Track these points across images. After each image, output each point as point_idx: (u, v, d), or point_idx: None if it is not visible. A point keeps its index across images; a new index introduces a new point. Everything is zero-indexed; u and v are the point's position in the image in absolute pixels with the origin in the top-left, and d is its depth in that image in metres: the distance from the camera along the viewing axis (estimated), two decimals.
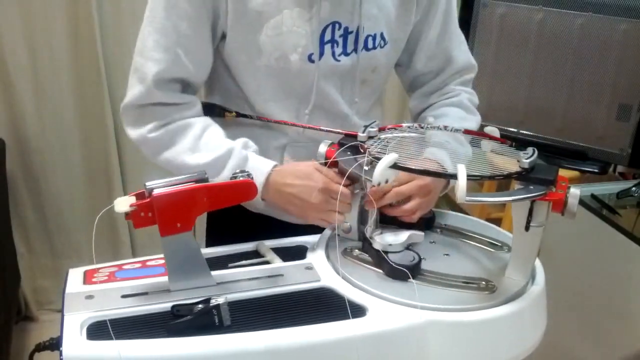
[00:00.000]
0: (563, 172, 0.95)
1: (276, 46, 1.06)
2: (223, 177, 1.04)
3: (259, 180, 1.02)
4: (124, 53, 2.21)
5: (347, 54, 1.11)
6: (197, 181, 0.88)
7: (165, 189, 0.86)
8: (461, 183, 0.83)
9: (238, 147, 1.07)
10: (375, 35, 1.12)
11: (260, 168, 1.05)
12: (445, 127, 1.07)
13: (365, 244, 1.02)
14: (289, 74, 1.10)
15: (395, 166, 0.91)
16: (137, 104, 1.06)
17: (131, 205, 0.86)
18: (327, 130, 1.11)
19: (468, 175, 0.85)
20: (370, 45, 1.13)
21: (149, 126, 1.06)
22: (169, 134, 1.07)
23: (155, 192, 0.85)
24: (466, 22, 1.80)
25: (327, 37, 1.08)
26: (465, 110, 1.22)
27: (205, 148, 1.06)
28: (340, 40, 1.10)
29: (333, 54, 1.10)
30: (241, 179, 0.91)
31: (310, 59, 1.08)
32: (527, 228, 0.92)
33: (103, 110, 2.23)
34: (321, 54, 1.09)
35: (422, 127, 1.06)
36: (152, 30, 1.04)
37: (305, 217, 1.05)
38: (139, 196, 0.88)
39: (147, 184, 0.87)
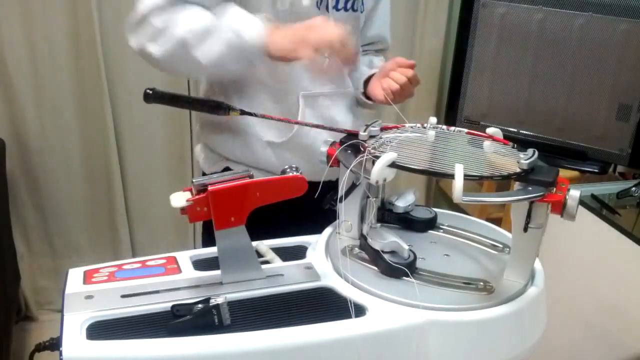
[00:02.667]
0: (563, 172, 0.95)
1: None
2: (220, 35, 1.09)
3: (258, 24, 1.10)
4: (124, 53, 2.21)
5: (337, 10, 1.23)
6: (243, 177, 0.91)
7: (221, 185, 0.89)
8: (458, 183, 0.84)
9: (234, 6, 1.13)
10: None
11: (255, 18, 1.12)
12: (448, 128, 1.07)
13: (363, 242, 1.03)
14: (299, 19, 1.15)
15: (394, 165, 0.92)
16: (142, 14, 1.10)
17: (188, 200, 0.88)
18: (329, 129, 1.12)
19: (466, 175, 0.86)
20: (356, 7, 1.26)
21: (151, 15, 1.10)
22: (171, 14, 1.10)
23: (211, 187, 0.88)
24: (466, 22, 1.79)
25: None
26: None
27: (204, 15, 1.11)
28: None
29: (327, 6, 1.20)
30: (291, 174, 0.93)
31: (317, 5, 1.18)
32: (525, 229, 0.92)
33: (103, 110, 2.23)
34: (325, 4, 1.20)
35: (424, 127, 1.06)
36: None
37: (295, 43, 1.07)
38: (190, 192, 0.90)
39: (194, 180, 0.90)
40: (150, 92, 1.24)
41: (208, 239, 1.30)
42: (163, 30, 1.10)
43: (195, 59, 1.10)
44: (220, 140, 1.32)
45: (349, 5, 1.25)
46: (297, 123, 1.21)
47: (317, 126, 1.15)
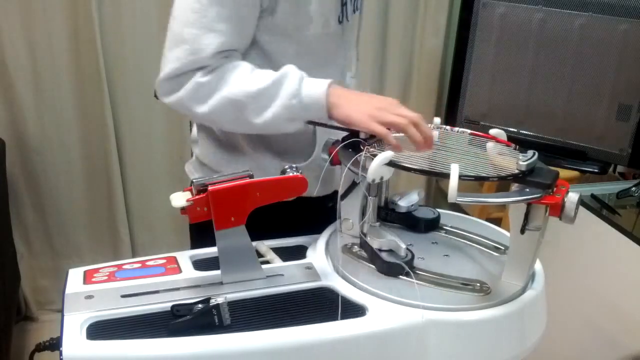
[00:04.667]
0: (563, 172, 0.94)
1: (323, 13, 1.10)
2: (279, 100, 1.02)
3: (320, 89, 1.01)
4: (124, 53, 2.21)
5: (352, 13, 1.19)
6: (243, 177, 0.91)
7: (221, 185, 0.89)
8: (452, 183, 0.84)
9: (293, 68, 1.05)
10: None
11: (318, 82, 1.03)
12: (452, 129, 1.07)
13: (363, 240, 1.03)
14: (328, 39, 1.14)
15: (391, 164, 0.92)
16: (180, 72, 1.04)
17: (188, 200, 0.88)
18: (333, 127, 1.11)
19: (462, 176, 0.86)
20: (357, 6, 1.22)
21: (197, 75, 1.03)
22: (220, 74, 1.04)
23: (211, 187, 0.88)
24: (466, 22, 1.80)
25: None
26: None
27: (260, 76, 1.04)
28: (349, 1, 1.17)
29: (347, 13, 1.17)
30: (291, 174, 0.93)
31: (339, 20, 1.15)
32: (522, 231, 0.92)
33: (103, 110, 2.23)
34: (344, 14, 1.16)
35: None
36: (213, 1, 1.02)
37: (369, 116, 0.99)
38: (190, 192, 0.91)
39: (194, 180, 0.90)
40: None
41: (197, 240, 1.28)
42: (212, 91, 1.04)
43: (247, 120, 1.04)
44: (227, 164, 1.23)
45: (355, 6, 1.22)
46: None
47: (325, 125, 1.13)
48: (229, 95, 1.03)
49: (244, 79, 1.04)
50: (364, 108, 1.00)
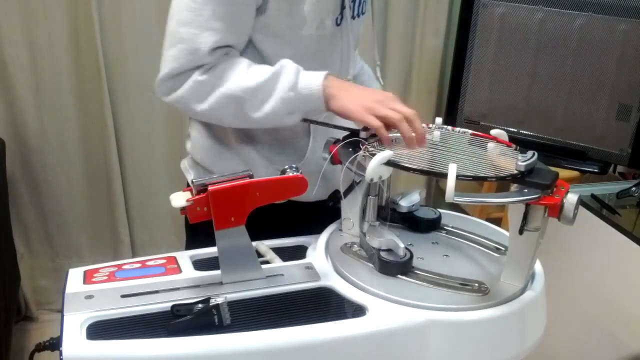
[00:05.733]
0: (563, 172, 0.94)
1: (317, 13, 1.09)
2: (277, 93, 1.03)
3: (317, 81, 1.03)
4: (124, 53, 2.21)
5: (352, 17, 1.18)
6: (243, 177, 0.91)
7: (221, 185, 0.89)
8: (450, 183, 0.84)
9: (289, 62, 1.06)
10: (366, 0, 1.23)
11: (314, 74, 1.05)
12: (453, 129, 1.07)
13: (362, 239, 1.03)
14: (324, 41, 1.13)
15: (389, 163, 0.92)
16: (179, 72, 1.05)
17: (188, 200, 0.88)
18: (334, 127, 1.11)
19: (460, 176, 0.86)
20: (363, 10, 1.22)
21: (195, 73, 1.04)
22: (218, 71, 1.05)
23: (211, 187, 0.88)
24: (466, 22, 1.80)
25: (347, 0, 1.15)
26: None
27: (257, 71, 1.06)
28: (351, 4, 1.16)
29: (346, 16, 1.15)
30: (291, 174, 0.93)
31: (336, 22, 1.13)
32: (521, 232, 0.92)
33: (103, 110, 2.23)
34: (343, 17, 1.14)
35: (429, 127, 1.06)
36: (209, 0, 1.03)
37: (365, 108, 1.00)
38: (190, 192, 0.91)
39: (194, 180, 0.90)
40: None
41: (191, 238, 1.28)
42: (211, 88, 1.05)
43: (247, 115, 1.05)
44: (219, 161, 1.23)
45: (359, 10, 1.22)
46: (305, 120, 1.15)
47: (327, 124, 1.13)
48: (227, 91, 1.04)
49: (241, 75, 1.05)
50: (360, 100, 1.01)
